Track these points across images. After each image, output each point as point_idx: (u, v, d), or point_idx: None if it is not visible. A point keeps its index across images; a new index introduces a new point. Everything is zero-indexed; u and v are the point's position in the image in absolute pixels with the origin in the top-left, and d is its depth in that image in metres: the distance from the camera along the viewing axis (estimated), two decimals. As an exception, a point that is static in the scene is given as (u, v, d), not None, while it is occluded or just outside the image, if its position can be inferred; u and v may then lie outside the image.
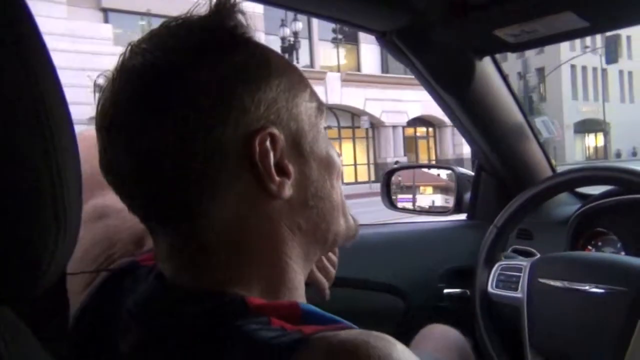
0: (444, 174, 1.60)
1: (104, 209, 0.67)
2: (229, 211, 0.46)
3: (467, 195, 1.51)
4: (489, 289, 1.12)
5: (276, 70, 0.49)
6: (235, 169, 0.45)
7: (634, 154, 35.63)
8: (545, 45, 1.06)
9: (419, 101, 19.07)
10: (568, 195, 1.42)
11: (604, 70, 32.85)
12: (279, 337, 0.41)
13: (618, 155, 34.86)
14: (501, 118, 1.29)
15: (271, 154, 0.46)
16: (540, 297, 1.04)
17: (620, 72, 35.84)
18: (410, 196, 1.62)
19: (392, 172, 1.64)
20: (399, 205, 1.62)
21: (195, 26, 0.47)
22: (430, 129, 23.15)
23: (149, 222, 0.49)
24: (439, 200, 1.60)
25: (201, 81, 0.45)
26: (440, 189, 1.61)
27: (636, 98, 36.76)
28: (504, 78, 1.26)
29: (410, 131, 22.29)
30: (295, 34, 12.93)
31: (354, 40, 20.43)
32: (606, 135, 35.09)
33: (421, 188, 1.62)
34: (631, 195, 1.22)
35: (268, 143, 0.46)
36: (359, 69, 20.73)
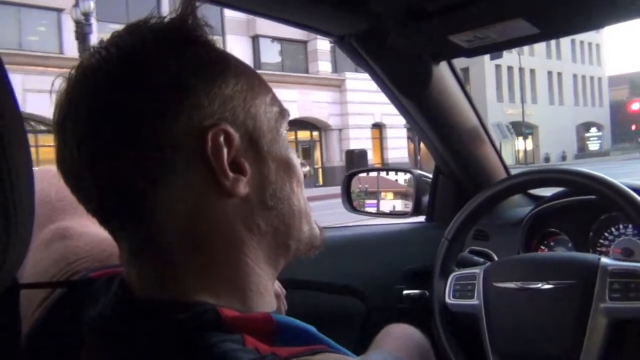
0: (403, 177, 1.62)
1: (66, 230, 0.67)
2: (183, 207, 0.45)
3: (426, 198, 1.53)
4: (447, 299, 1.14)
5: (234, 70, 0.50)
6: (188, 164, 0.45)
7: (564, 157, 34.02)
8: (498, 51, 1.09)
9: (294, 101, 18.13)
10: (522, 197, 1.46)
11: (521, 70, 31.03)
12: (240, 348, 0.40)
13: (547, 159, 32.54)
14: (458, 122, 1.32)
15: (225, 150, 0.46)
16: (496, 301, 1.06)
17: (549, 73, 34.76)
18: (374, 201, 1.63)
19: (352, 175, 1.65)
20: (360, 208, 1.63)
21: (153, 25, 0.48)
22: (315, 133, 21.86)
23: (108, 224, 0.48)
24: (399, 205, 1.62)
25: (153, 75, 0.45)
26: (401, 194, 1.63)
27: (566, 100, 35.86)
28: (460, 82, 1.29)
29: (290, 135, 21.85)
30: (86, 15, 9.83)
31: (218, 32, 19.49)
32: (526, 138, 33.32)
33: (382, 193, 1.64)
34: (580, 196, 1.27)
35: (222, 139, 0.46)
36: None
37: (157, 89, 0.45)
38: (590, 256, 1.04)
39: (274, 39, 19.99)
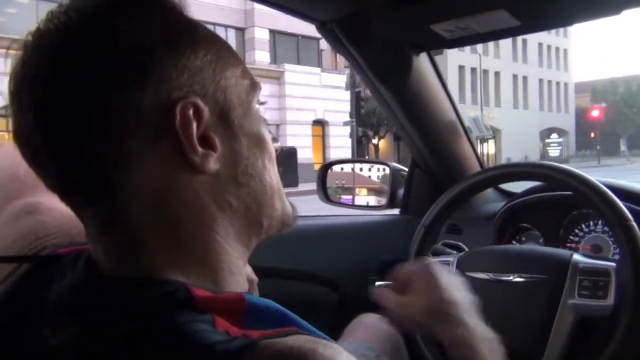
0: (379, 169, 1.62)
1: (35, 205, 0.64)
2: (151, 182, 0.44)
3: (401, 191, 1.54)
4: None
5: (204, 40, 0.47)
6: (154, 139, 0.43)
7: None
8: (479, 42, 1.10)
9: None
10: (495, 192, 1.48)
11: (485, 72, 29.86)
12: (225, 343, 0.39)
13: None
14: (435, 115, 1.33)
15: (194, 124, 0.44)
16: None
17: (515, 77, 33.44)
18: (349, 197, 1.63)
19: (328, 166, 1.65)
20: (335, 200, 1.63)
21: None
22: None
23: (70, 200, 0.46)
24: (373, 201, 1.63)
25: (118, 43, 0.42)
26: (375, 190, 1.63)
27: (531, 104, 34.67)
28: (440, 76, 1.30)
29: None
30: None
31: None
32: (483, 142, 30.09)
33: (357, 189, 1.64)
34: (552, 192, 1.29)
35: (191, 113, 0.44)
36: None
37: (121, 58, 0.42)
38: (562, 252, 1.05)
39: (210, 23, 19.32)
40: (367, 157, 20.19)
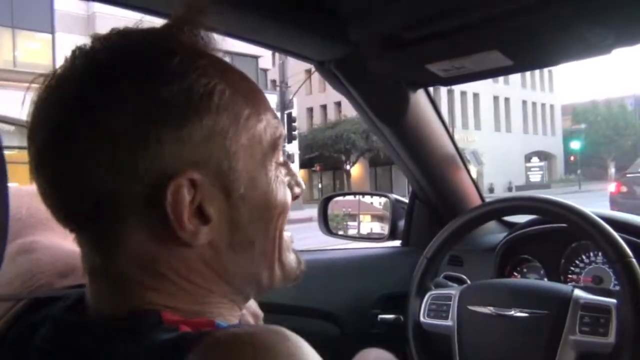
0: (380, 201, 1.63)
1: (32, 244, 0.66)
2: (140, 248, 0.44)
3: (402, 223, 1.54)
4: (421, 318, 1.14)
5: (217, 104, 0.44)
6: (146, 208, 0.43)
7: (510, 189, 29.72)
8: (475, 80, 1.12)
9: None
10: (496, 223, 1.48)
11: (463, 94, 28.54)
12: (169, 334, 0.40)
13: (491, 190, 28.49)
14: (434, 148, 1.34)
15: (186, 201, 0.42)
16: (469, 324, 1.07)
17: (495, 99, 31.55)
18: (355, 223, 1.65)
19: (329, 199, 1.66)
20: (336, 231, 1.64)
21: (131, 46, 0.44)
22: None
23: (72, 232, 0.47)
24: (377, 227, 1.64)
25: (113, 115, 0.42)
26: (378, 217, 1.65)
27: (514, 127, 32.78)
28: (437, 110, 1.32)
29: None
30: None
31: (47, 29, 14.36)
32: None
33: (361, 216, 1.65)
34: (551, 224, 1.30)
35: (185, 191, 0.42)
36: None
37: (116, 130, 0.41)
38: (564, 287, 1.05)
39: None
40: (336, 184, 19.76)
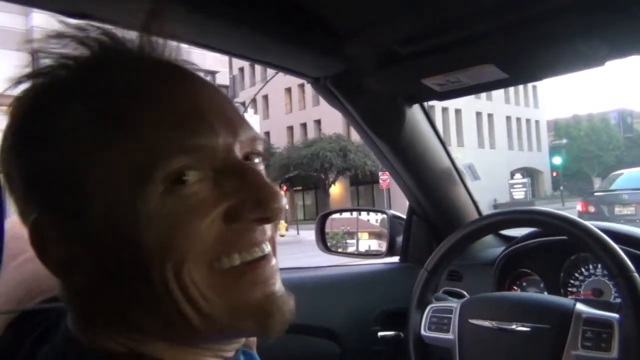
0: (377, 217, 1.63)
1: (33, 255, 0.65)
2: None
3: (400, 239, 1.54)
4: (422, 331, 1.13)
5: (69, 129, 0.40)
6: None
7: (495, 206, 25.91)
8: (470, 94, 1.12)
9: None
10: (494, 238, 1.48)
11: (444, 110, 27.16)
12: None
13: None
14: (431, 163, 1.34)
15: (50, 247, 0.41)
16: (470, 338, 1.06)
17: (478, 114, 30.35)
18: (353, 241, 1.64)
19: (326, 215, 1.65)
20: (334, 249, 1.63)
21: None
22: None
23: None
24: (374, 245, 1.63)
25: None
26: (376, 234, 1.64)
27: (498, 143, 31.58)
28: (433, 125, 1.32)
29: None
30: None
31: None
32: None
33: (359, 233, 1.65)
34: (550, 237, 1.29)
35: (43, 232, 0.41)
36: None
37: None
38: (565, 301, 1.04)
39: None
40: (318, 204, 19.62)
